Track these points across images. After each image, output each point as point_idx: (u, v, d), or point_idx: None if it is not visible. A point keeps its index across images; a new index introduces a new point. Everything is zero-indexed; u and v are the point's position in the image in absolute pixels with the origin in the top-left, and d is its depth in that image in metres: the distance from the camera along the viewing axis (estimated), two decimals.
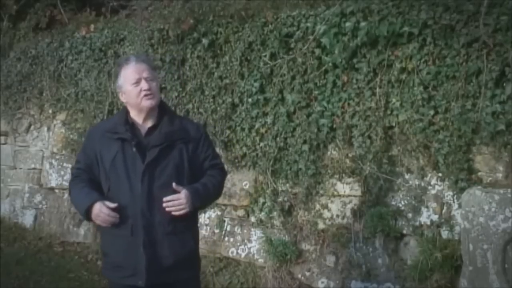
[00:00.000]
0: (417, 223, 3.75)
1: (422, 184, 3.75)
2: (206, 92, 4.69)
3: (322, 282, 4.09)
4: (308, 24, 4.13)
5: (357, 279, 3.94)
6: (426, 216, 3.72)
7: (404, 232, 3.81)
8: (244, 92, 4.45)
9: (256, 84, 4.38)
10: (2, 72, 6.46)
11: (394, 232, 3.80)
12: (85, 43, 5.68)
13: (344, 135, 3.98)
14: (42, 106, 6.08)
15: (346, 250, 4.00)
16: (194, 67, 4.76)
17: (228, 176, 4.47)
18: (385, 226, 3.79)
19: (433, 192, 3.72)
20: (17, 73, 6.27)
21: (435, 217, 3.68)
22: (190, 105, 4.78)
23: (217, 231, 4.66)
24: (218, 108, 4.58)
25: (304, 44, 4.12)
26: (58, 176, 5.83)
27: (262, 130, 4.39)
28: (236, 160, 4.52)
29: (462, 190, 3.42)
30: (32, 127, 6.23)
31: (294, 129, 4.22)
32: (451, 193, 3.63)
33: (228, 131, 4.55)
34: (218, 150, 4.50)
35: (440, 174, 3.67)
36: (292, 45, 4.23)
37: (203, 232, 4.63)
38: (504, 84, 3.36)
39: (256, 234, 4.47)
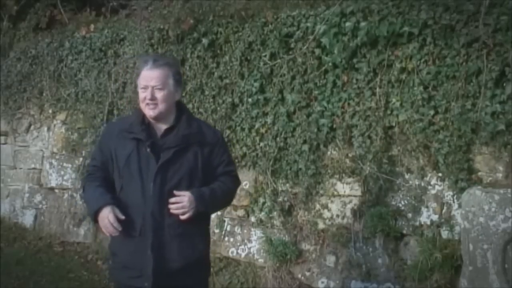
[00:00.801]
0: (417, 223, 3.75)
1: (422, 184, 3.75)
2: (206, 92, 4.69)
3: (322, 282, 4.09)
4: (308, 24, 4.13)
5: (357, 279, 3.94)
6: (426, 216, 3.72)
7: (404, 232, 3.81)
8: (244, 92, 4.45)
9: (256, 84, 4.38)
10: (2, 72, 6.46)
11: (394, 232, 3.80)
12: (85, 43, 5.68)
13: (344, 135, 3.98)
14: (42, 106, 6.08)
15: (346, 250, 4.00)
16: (194, 67, 4.77)
17: None
18: (385, 226, 3.79)
19: (433, 192, 3.72)
20: (17, 73, 6.27)
21: (435, 217, 3.68)
22: (190, 105, 4.77)
23: (217, 231, 4.66)
24: (218, 108, 4.58)
25: (304, 44, 4.13)
26: (58, 176, 5.83)
27: (262, 130, 4.39)
28: (236, 160, 4.51)
29: (462, 190, 3.42)
30: (32, 127, 6.23)
31: (294, 129, 4.22)
32: (451, 193, 3.63)
33: (228, 131, 4.55)
34: None
35: (440, 174, 3.67)
36: (292, 45, 4.23)
37: None
38: (504, 84, 3.36)
39: (256, 234, 4.47)
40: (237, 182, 2.78)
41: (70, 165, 5.75)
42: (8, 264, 4.97)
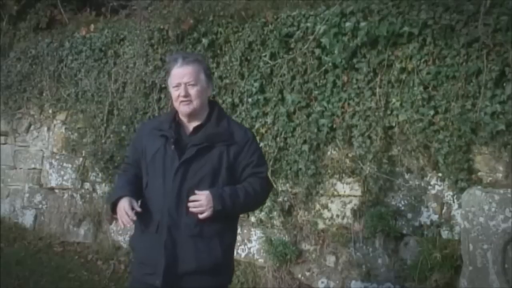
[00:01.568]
0: (417, 223, 3.75)
1: (422, 184, 3.75)
2: None
3: (322, 282, 4.09)
4: (308, 24, 4.13)
5: (357, 279, 3.93)
6: (426, 216, 3.72)
7: (404, 232, 3.81)
8: (244, 92, 4.45)
9: (256, 84, 4.38)
10: (2, 72, 6.46)
11: (394, 232, 3.80)
12: (85, 43, 5.68)
13: (344, 135, 3.98)
14: (42, 106, 6.08)
15: (346, 250, 4.01)
16: None
17: None
18: (385, 226, 3.79)
19: (433, 192, 3.72)
20: (17, 73, 6.28)
21: (435, 217, 3.68)
22: None
23: None
24: None
25: (304, 44, 4.13)
26: (58, 176, 5.83)
27: (262, 130, 4.39)
28: None
29: (462, 190, 3.42)
30: (32, 127, 6.23)
31: (294, 129, 4.22)
32: (451, 193, 3.63)
33: None
34: None
35: (440, 174, 3.67)
36: (292, 45, 4.23)
37: None
38: (504, 84, 3.36)
39: (256, 234, 4.47)
40: (266, 185, 2.65)
41: (70, 165, 5.75)
42: (8, 264, 4.97)
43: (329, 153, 4.12)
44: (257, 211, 4.41)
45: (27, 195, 6.12)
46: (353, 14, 3.88)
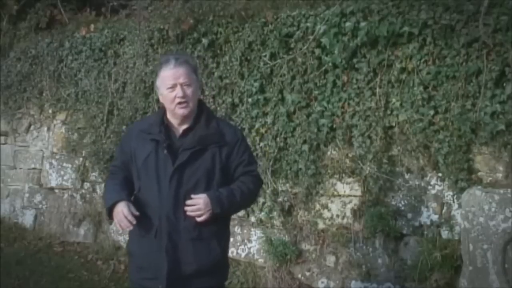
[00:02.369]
0: (417, 223, 3.75)
1: (422, 184, 3.75)
2: (206, 92, 4.68)
3: (322, 282, 4.09)
4: (308, 24, 4.13)
5: (357, 279, 3.93)
6: (426, 216, 3.72)
7: (404, 232, 3.81)
8: (244, 92, 4.45)
9: (256, 84, 4.38)
10: (2, 72, 6.46)
11: (394, 232, 3.80)
12: (85, 43, 5.68)
13: (344, 135, 3.98)
14: (42, 106, 6.08)
15: (346, 250, 4.01)
16: None
17: None
18: (385, 226, 3.79)
19: (433, 192, 3.72)
20: (17, 73, 6.28)
21: (435, 217, 3.68)
22: None
23: None
24: (218, 108, 4.58)
25: (304, 44, 4.12)
26: (58, 176, 5.84)
27: (262, 130, 4.39)
28: None
29: (462, 190, 3.42)
30: (32, 127, 6.23)
31: (294, 129, 4.22)
32: (451, 193, 3.63)
33: None
34: None
35: (440, 174, 3.67)
36: (292, 45, 4.23)
37: None
38: (504, 84, 3.36)
39: (256, 234, 4.47)
40: (258, 182, 2.68)
41: (70, 165, 5.75)
42: (8, 264, 4.97)
43: (329, 153, 4.12)
44: (257, 211, 4.42)
45: (27, 195, 6.12)
46: (353, 14, 3.88)
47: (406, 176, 3.81)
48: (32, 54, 6.17)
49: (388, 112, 3.83)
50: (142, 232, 2.50)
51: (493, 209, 3.15)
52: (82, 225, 5.58)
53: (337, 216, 4.09)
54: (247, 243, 4.52)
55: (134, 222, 2.40)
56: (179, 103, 2.47)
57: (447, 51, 3.56)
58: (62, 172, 5.81)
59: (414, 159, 3.76)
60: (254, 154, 4.36)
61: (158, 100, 4.94)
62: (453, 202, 3.62)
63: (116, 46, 5.45)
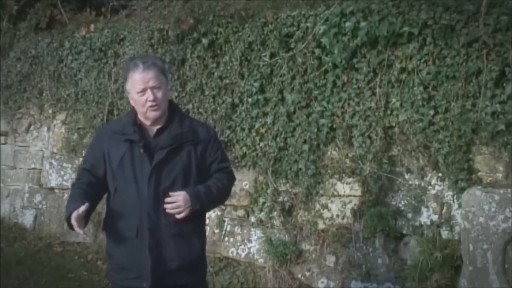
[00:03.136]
0: (417, 223, 3.75)
1: (422, 184, 3.75)
2: (206, 92, 4.69)
3: (322, 282, 4.09)
4: (308, 24, 4.13)
5: (357, 279, 3.94)
6: (426, 216, 3.72)
7: (404, 232, 3.81)
8: (244, 92, 4.45)
9: (256, 84, 4.38)
10: (2, 72, 6.46)
11: (394, 232, 3.80)
12: (85, 43, 5.68)
13: (344, 135, 3.98)
14: (42, 106, 6.08)
15: (346, 250, 4.00)
16: (194, 67, 4.77)
17: None
18: (385, 226, 3.79)
19: (433, 192, 3.72)
20: (17, 73, 6.27)
21: (435, 217, 3.68)
22: (190, 105, 4.78)
23: (217, 231, 4.66)
24: (218, 108, 4.58)
25: (304, 44, 4.12)
26: (58, 176, 5.83)
27: (262, 130, 4.39)
28: (236, 160, 4.52)
29: (462, 190, 3.43)
30: (32, 127, 6.23)
31: (294, 129, 4.22)
32: (451, 193, 3.63)
33: (228, 131, 4.55)
34: None
35: (440, 174, 3.67)
36: (292, 45, 4.23)
37: None
38: (504, 84, 3.36)
39: (256, 234, 4.47)
40: (232, 178, 2.77)
41: (70, 165, 5.75)
42: (8, 264, 4.97)
43: (329, 153, 4.12)
44: (257, 211, 4.42)
45: (27, 195, 6.12)
46: (353, 14, 3.88)
47: (406, 176, 3.82)
48: (32, 54, 6.17)
49: (388, 112, 3.83)
50: (122, 232, 2.52)
51: (493, 209, 3.15)
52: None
53: (337, 216, 4.09)
54: (247, 243, 4.52)
55: (82, 227, 2.48)
56: (150, 106, 2.50)
57: (447, 51, 3.56)
58: (62, 172, 5.80)
59: (414, 159, 3.76)
60: (254, 154, 4.40)
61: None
62: (453, 202, 3.62)
63: (116, 46, 5.45)
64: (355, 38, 3.87)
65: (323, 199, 4.16)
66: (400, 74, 3.77)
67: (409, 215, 3.79)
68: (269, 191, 4.34)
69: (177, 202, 2.47)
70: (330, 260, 4.08)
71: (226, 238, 4.62)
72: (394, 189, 3.86)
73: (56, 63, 5.91)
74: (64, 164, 5.79)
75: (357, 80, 3.94)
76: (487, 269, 3.15)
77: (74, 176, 5.67)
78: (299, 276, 4.22)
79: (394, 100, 3.78)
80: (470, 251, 3.22)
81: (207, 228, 4.67)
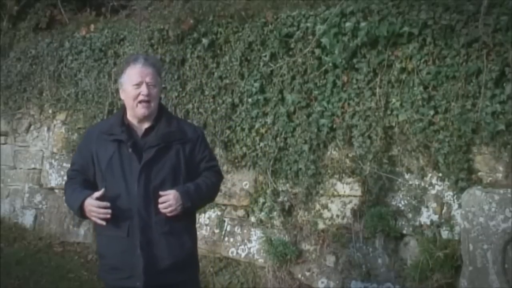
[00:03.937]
0: (417, 223, 3.75)
1: (422, 184, 3.75)
2: (206, 92, 4.69)
3: (322, 282, 4.09)
4: (308, 24, 4.13)
5: (357, 279, 3.94)
6: (426, 216, 3.72)
7: (404, 232, 3.81)
8: (244, 92, 4.45)
9: (256, 84, 4.38)
10: (2, 72, 6.46)
11: (394, 232, 3.80)
12: (85, 43, 5.68)
13: (344, 135, 3.98)
14: (42, 106, 6.08)
15: (346, 250, 4.00)
16: (194, 67, 4.77)
17: (228, 176, 4.48)
18: (385, 226, 3.79)
19: (433, 192, 3.72)
20: (17, 73, 6.28)
21: (435, 217, 3.68)
22: (190, 105, 4.78)
23: (217, 231, 4.66)
24: (218, 108, 4.58)
25: (304, 44, 4.13)
26: (58, 176, 5.84)
27: (262, 130, 4.39)
28: (236, 160, 4.52)
29: (462, 190, 3.43)
30: (32, 127, 6.23)
31: (294, 129, 4.22)
32: (451, 193, 3.63)
33: (228, 131, 4.55)
34: (218, 150, 4.50)
35: (440, 174, 3.67)
36: (292, 45, 4.23)
37: (203, 232, 4.64)
38: (504, 84, 3.36)
39: (256, 234, 4.47)
40: (220, 177, 2.80)
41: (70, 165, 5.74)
42: (8, 264, 4.97)
43: (329, 153, 4.13)
44: (257, 211, 4.42)
45: (27, 195, 6.13)
46: (353, 14, 3.88)
47: (406, 176, 3.82)
48: (32, 54, 6.17)
49: (388, 112, 3.83)
50: (112, 233, 2.52)
51: (493, 209, 3.15)
52: (82, 225, 5.57)
53: (337, 216, 4.09)
54: (247, 243, 4.52)
55: (108, 205, 2.43)
56: (142, 101, 2.52)
57: (447, 51, 3.56)
58: (62, 172, 5.80)
59: (414, 159, 3.76)
60: (254, 154, 4.40)
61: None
62: (453, 202, 3.62)
63: (116, 46, 5.45)
64: (355, 38, 3.87)
65: (323, 199, 4.16)
66: (400, 74, 3.77)
67: (409, 215, 3.79)
68: (269, 191, 4.34)
69: (168, 201, 2.47)
70: (330, 260, 4.08)
71: (226, 238, 4.63)
72: (394, 189, 3.86)
73: (56, 63, 5.91)
74: (64, 164, 5.79)
75: (357, 80, 3.94)
76: (487, 269, 3.15)
77: None
78: (299, 276, 4.22)
79: (394, 100, 3.78)
80: (470, 251, 3.22)
81: (207, 228, 4.69)
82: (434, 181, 3.72)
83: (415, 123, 3.67)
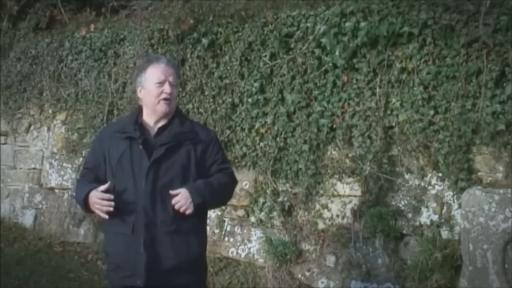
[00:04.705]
0: (417, 223, 3.75)
1: (422, 184, 3.75)
2: (206, 92, 4.69)
3: (322, 282, 4.09)
4: (308, 24, 4.13)
5: (357, 279, 3.93)
6: (426, 216, 3.72)
7: (404, 232, 3.81)
8: (244, 92, 4.45)
9: (256, 84, 4.38)
10: (2, 72, 6.46)
11: (394, 232, 3.80)
12: (85, 43, 5.68)
13: (344, 135, 3.98)
14: (42, 106, 6.08)
15: (346, 250, 4.00)
16: (194, 67, 4.77)
17: None
18: (385, 226, 3.79)
19: (433, 192, 3.72)
20: (17, 73, 6.27)
21: (435, 217, 3.68)
22: (190, 105, 4.78)
23: (217, 231, 4.66)
24: (218, 108, 4.58)
25: (304, 44, 4.13)
26: (58, 176, 5.83)
27: (262, 130, 4.39)
28: (236, 160, 4.52)
29: (462, 190, 3.43)
30: (32, 127, 6.23)
31: (294, 129, 4.22)
32: (451, 193, 3.63)
33: (228, 131, 4.55)
34: None
35: (440, 174, 3.67)
36: (292, 45, 4.23)
37: None
38: (504, 84, 3.36)
39: (256, 234, 4.47)
40: (232, 179, 2.73)
41: (70, 165, 5.75)
42: (8, 264, 4.97)
43: (329, 153, 4.12)
44: (257, 211, 4.41)
45: (27, 195, 6.12)
46: (353, 14, 3.88)
47: (406, 176, 3.82)
48: (32, 54, 6.17)
49: (388, 112, 3.83)
50: (118, 229, 2.51)
51: (493, 209, 3.15)
52: (82, 225, 5.57)
53: (337, 216, 4.09)
54: (247, 243, 4.52)
55: (112, 198, 2.42)
56: (165, 98, 2.54)
57: (447, 51, 3.56)
58: (62, 172, 5.80)
59: (414, 159, 3.76)
60: (254, 154, 4.40)
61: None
62: (453, 202, 3.62)
63: (116, 46, 5.45)
64: (355, 38, 3.87)
65: (323, 199, 4.16)
66: (400, 74, 3.77)
67: (409, 215, 3.79)
68: (269, 191, 4.34)
69: (178, 201, 2.45)
70: (330, 260, 4.08)
71: (226, 238, 4.63)
72: (394, 189, 3.86)
73: (56, 63, 5.91)
74: (64, 164, 5.79)
75: (357, 80, 3.94)
76: (487, 269, 3.15)
77: (74, 176, 5.67)
78: (299, 276, 4.22)
79: (394, 100, 3.78)
80: (470, 251, 3.22)
81: (207, 228, 4.68)
82: (434, 181, 3.72)
83: (415, 123, 3.67)
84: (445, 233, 3.62)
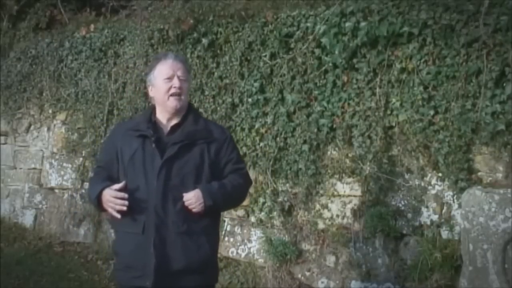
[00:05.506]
0: (417, 223, 3.75)
1: (422, 184, 3.75)
2: (206, 92, 4.69)
3: (322, 282, 4.09)
4: (308, 24, 4.13)
5: (357, 279, 3.94)
6: (426, 216, 3.72)
7: (404, 232, 3.81)
8: (244, 92, 4.45)
9: (256, 84, 4.38)
10: (2, 72, 6.46)
11: (394, 232, 3.80)
12: (85, 43, 5.68)
13: (344, 135, 3.98)
14: (42, 106, 6.08)
15: (346, 250, 4.01)
16: (194, 67, 4.76)
17: None
18: (385, 226, 3.79)
19: (433, 192, 3.72)
20: (17, 73, 6.27)
21: (435, 217, 3.68)
22: None
23: None
24: (218, 108, 4.58)
25: (304, 44, 4.13)
26: (58, 176, 5.83)
27: (262, 130, 4.39)
28: None
29: (462, 190, 3.42)
30: (32, 127, 6.22)
31: (294, 129, 4.22)
32: (451, 193, 3.63)
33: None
34: None
35: (440, 174, 3.67)
36: (292, 45, 4.23)
37: None
38: (504, 84, 3.36)
39: (256, 234, 4.47)
40: (247, 180, 2.69)
41: (70, 165, 5.75)
42: (8, 264, 4.97)
43: (329, 153, 4.13)
44: (257, 211, 4.41)
45: (27, 195, 6.12)
46: (353, 14, 3.88)
47: (406, 176, 3.81)
48: (32, 54, 6.16)
49: (388, 112, 3.83)
50: (128, 229, 2.47)
51: (493, 209, 3.15)
52: (82, 225, 5.57)
53: (337, 216, 4.09)
54: (247, 243, 4.52)
55: (126, 196, 2.40)
56: (173, 94, 2.50)
57: (447, 51, 3.56)
58: (62, 172, 5.80)
59: (414, 159, 3.76)
60: (254, 154, 4.40)
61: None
62: (453, 202, 3.62)
63: (116, 46, 5.45)
64: (355, 38, 3.87)
65: (323, 199, 4.16)
66: (400, 74, 3.77)
67: (409, 215, 3.79)
68: (269, 191, 4.34)
69: (188, 198, 2.42)
70: (330, 260, 4.08)
71: (226, 238, 4.62)
72: (394, 189, 3.86)
73: (56, 63, 5.90)
74: (64, 164, 5.79)
75: (357, 80, 3.94)
76: (487, 269, 3.15)
77: (74, 176, 5.68)
78: (299, 276, 4.22)
79: (394, 100, 3.78)
80: (470, 251, 3.22)
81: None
82: (434, 181, 3.72)
83: (415, 123, 3.67)
84: (445, 233, 3.62)
